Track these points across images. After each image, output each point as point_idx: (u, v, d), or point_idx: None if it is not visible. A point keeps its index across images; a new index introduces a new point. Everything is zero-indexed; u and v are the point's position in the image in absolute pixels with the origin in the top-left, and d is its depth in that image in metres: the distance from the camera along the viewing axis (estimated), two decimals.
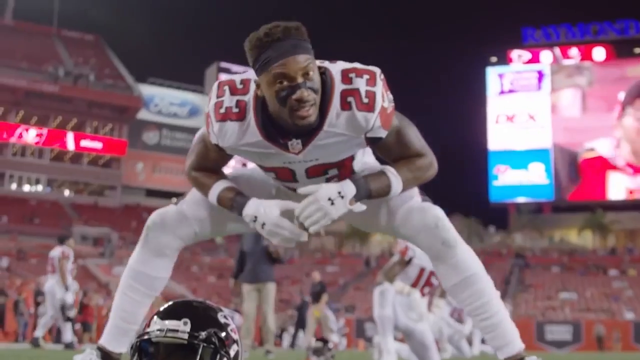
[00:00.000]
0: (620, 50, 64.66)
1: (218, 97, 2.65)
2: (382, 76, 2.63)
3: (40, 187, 62.18)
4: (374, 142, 2.70)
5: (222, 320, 2.15)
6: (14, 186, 61.23)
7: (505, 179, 65.22)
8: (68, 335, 12.42)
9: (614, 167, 62.60)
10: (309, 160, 2.69)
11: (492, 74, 67.97)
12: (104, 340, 3.00)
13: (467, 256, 2.87)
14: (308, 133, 2.58)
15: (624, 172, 62.42)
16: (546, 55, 66.63)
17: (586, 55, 65.73)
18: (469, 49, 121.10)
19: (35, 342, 12.20)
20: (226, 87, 2.65)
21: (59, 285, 12.27)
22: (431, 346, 7.16)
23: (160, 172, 66.55)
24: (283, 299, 39.32)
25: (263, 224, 2.72)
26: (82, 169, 63.38)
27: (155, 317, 2.13)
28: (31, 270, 39.11)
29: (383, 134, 2.65)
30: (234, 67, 69.54)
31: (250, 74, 2.66)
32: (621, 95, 63.67)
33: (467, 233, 62.05)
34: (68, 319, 12.41)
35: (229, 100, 2.63)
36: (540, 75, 66.63)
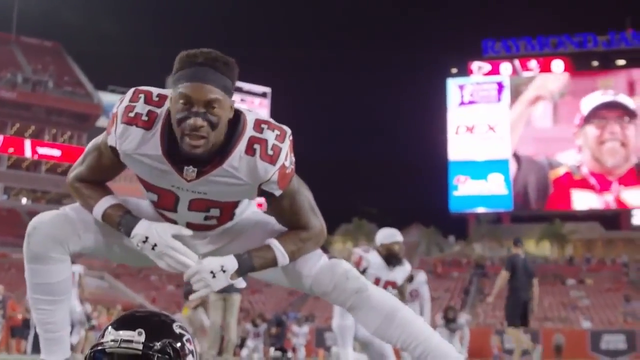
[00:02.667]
0: (579, 63, 65.59)
1: (131, 101, 2.63)
2: (291, 137, 2.67)
3: None
4: (265, 197, 2.73)
5: (178, 330, 2.13)
6: None
7: (465, 189, 65.67)
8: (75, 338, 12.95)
9: (580, 185, 63.25)
10: (197, 192, 2.67)
11: (452, 85, 68.45)
12: (43, 354, 2.98)
13: (380, 295, 2.94)
14: (205, 165, 2.58)
15: (592, 190, 63.04)
16: (506, 67, 67.27)
17: (545, 68, 66.54)
18: (430, 60, 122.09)
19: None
20: (142, 95, 2.64)
21: (76, 298, 12.74)
22: (390, 356, 7.18)
23: (120, 180, 64.07)
24: (243, 308, 39.16)
25: (154, 245, 2.70)
26: (40, 176, 62.63)
27: (110, 327, 2.11)
28: None
29: (277, 192, 2.69)
30: None
31: (167, 90, 2.67)
32: (584, 104, 64.47)
33: (426, 243, 62.60)
34: (92, 327, 13.17)
35: (141, 107, 2.61)
36: (500, 87, 67.25)
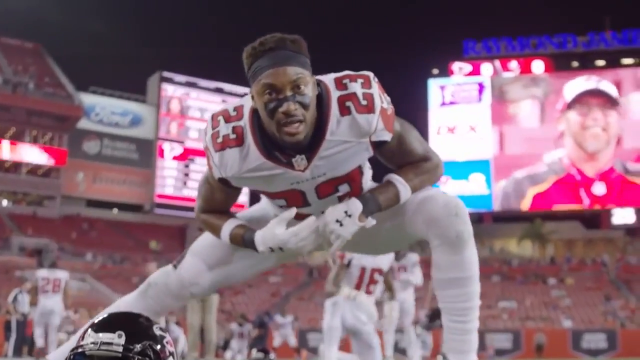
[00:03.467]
0: (559, 64, 65.93)
1: (213, 128, 2.59)
2: (376, 79, 2.61)
3: None
4: (379, 147, 2.65)
5: (158, 332, 2.12)
6: None
7: (446, 189, 63.60)
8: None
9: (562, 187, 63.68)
10: (317, 177, 2.62)
11: (433, 85, 68.54)
12: (53, 357, 2.98)
13: (473, 257, 2.81)
14: (310, 147, 2.53)
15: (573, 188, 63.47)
16: (487, 68, 67.43)
17: (525, 68, 66.82)
18: (411, 61, 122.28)
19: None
20: (220, 117, 2.60)
21: (60, 303, 13.11)
22: (376, 348, 7.28)
23: (100, 182, 65.63)
24: (225, 310, 39.09)
25: (281, 249, 2.67)
26: (21, 178, 62.17)
27: (89, 329, 2.10)
28: None
29: (388, 136, 2.62)
30: (177, 77, 69.09)
31: (243, 100, 2.63)
32: (567, 90, 64.93)
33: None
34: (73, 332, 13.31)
35: (225, 129, 2.57)
36: (481, 88, 67.45)
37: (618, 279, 48.54)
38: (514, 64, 67.07)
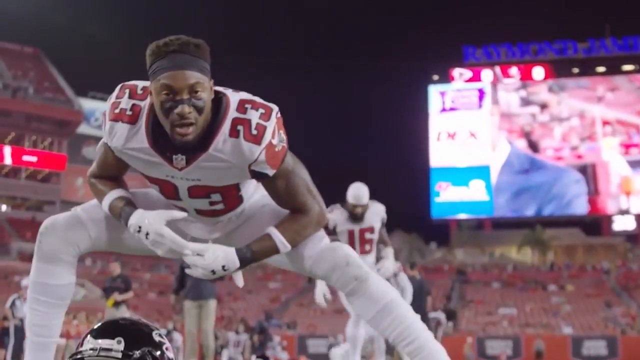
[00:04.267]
0: (559, 70, 66.07)
1: (117, 97, 2.68)
2: (279, 115, 2.65)
3: None
4: (260, 178, 2.72)
5: (157, 338, 2.10)
6: None
7: (446, 195, 65.91)
8: None
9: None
10: (191, 180, 2.69)
11: (434, 91, 68.70)
12: (27, 359, 2.94)
13: (381, 285, 2.92)
14: (193, 151, 2.59)
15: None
16: (487, 74, 67.62)
17: (526, 75, 66.99)
18: (412, 67, 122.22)
19: None
20: (127, 90, 2.68)
21: None
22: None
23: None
24: (225, 315, 39.04)
25: (147, 234, 2.70)
26: (20, 183, 62.18)
27: (89, 335, 2.08)
28: None
29: (269, 172, 2.67)
30: None
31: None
32: None
33: (408, 249, 62.49)
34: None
35: (125, 103, 2.65)
36: (481, 94, 67.60)
37: (619, 286, 48.48)
38: (514, 70, 67.22)
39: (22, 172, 62.59)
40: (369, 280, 2.88)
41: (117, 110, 2.64)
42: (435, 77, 69.32)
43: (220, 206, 2.84)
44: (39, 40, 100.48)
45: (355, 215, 7.35)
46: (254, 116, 2.58)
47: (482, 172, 65.64)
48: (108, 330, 2.08)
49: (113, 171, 2.88)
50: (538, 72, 66.57)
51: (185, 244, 2.72)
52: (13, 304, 15.59)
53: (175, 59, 2.49)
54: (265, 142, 2.58)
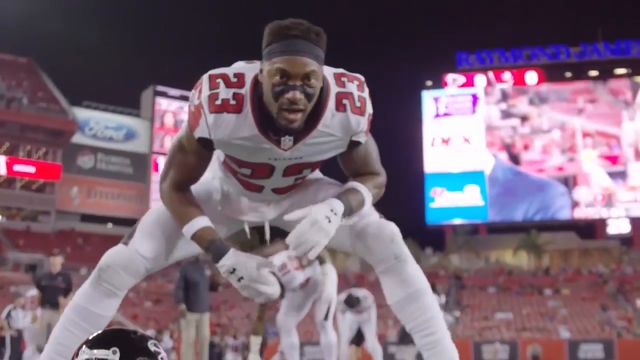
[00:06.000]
0: (552, 75, 66.13)
1: (211, 89, 2.60)
2: (367, 87, 2.72)
3: None
4: (350, 147, 2.76)
5: (152, 348, 2.09)
6: None
7: (441, 201, 65.85)
8: None
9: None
10: (294, 158, 2.71)
11: (427, 97, 68.64)
12: None
13: (416, 272, 2.94)
14: (300, 131, 2.60)
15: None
16: (480, 79, 67.63)
17: (519, 80, 67.04)
18: (404, 72, 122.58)
19: None
20: (220, 80, 2.61)
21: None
22: None
23: (95, 196, 65.54)
24: (221, 323, 38.89)
25: (240, 278, 2.70)
26: (15, 193, 62.03)
27: (84, 346, 2.06)
28: None
29: (364, 139, 2.75)
30: (171, 91, 69.21)
31: (242, 68, 2.68)
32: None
33: None
34: None
35: (225, 92, 2.59)
36: (475, 99, 67.60)
37: (614, 289, 48.50)
38: (507, 75, 67.25)
39: (16, 182, 62.45)
40: (407, 263, 2.91)
41: (217, 102, 2.59)
42: (429, 83, 69.24)
43: (299, 182, 2.91)
44: (32, 50, 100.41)
45: None
46: (353, 89, 2.65)
47: (476, 177, 65.63)
48: (103, 340, 2.06)
49: (194, 172, 2.85)
50: (531, 76, 66.67)
51: (276, 287, 2.76)
52: (9, 314, 15.51)
53: (295, 44, 2.48)
54: (367, 112, 2.69)
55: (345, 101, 2.62)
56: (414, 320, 2.90)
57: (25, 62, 70.51)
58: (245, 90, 2.59)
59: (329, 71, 2.64)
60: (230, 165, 2.85)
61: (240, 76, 2.62)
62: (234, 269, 2.69)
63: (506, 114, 67.54)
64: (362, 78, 2.69)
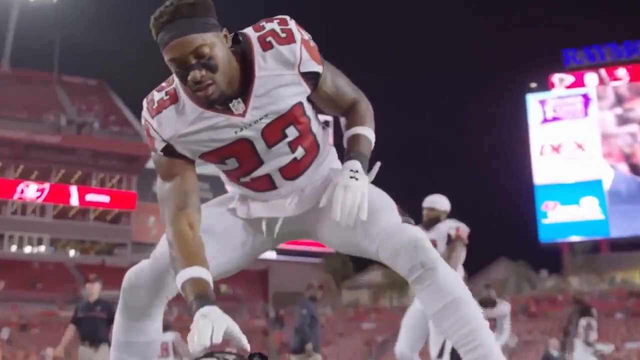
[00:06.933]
0: None
1: (147, 102, 2.79)
2: (294, 21, 2.76)
3: (42, 248, 61.38)
4: (313, 85, 2.81)
5: None
6: (14, 248, 60.48)
7: (555, 216, 64.01)
8: None
9: None
10: (259, 119, 2.75)
11: (532, 101, 67.29)
12: None
13: (450, 278, 2.83)
14: (244, 91, 2.69)
15: None
16: (591, 78, 65.98)
17: (635, 76, 65.01)
18: (506, 75, 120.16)
19: None
20: (153, 92, 2.80)
21: None
22: None
23: None
24: None
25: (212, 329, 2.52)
26: (88, 225, 62.72)
27: None
28: (34, 341, 38.48)
29: (317, 68, 2.79)
30: None
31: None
32: None
33: (516, 279, 60.69)
34: None
35: (158, 96, 2.77)
36: (586, 100, 65.93)
37: None
38: (621, 72, 65.36)
39: (90, 214, 63.12)
40: (438, 269, 2.81)
41: (154, 106, 2.77)
42: (533, 85, 68.01)
43: (301, 152, 2.91)
44: (102, 71, 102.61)
45: (426, 222, 7.71)
46: (274, 26, 2.71)
47: (593, 187, 63.60)
48: None
49: (185, 185, 2.89)
50: None
51: (206, 338, 2.48)
52: None
53: (171, 29, 2.56)
54: (297, 38, 2.72)
55: (269, 39, 2.69)
56: (455, 334, 2.80)
57: (96, 85, 71.63)
58: (175, 85, 2.74)
59: (249, 28, 2.74)
60: (227, 174, 3.10)
61: (169, 80, 2.79)
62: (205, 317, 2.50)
63: (622, 120, 65.45)
64: (286, 16, 2.75)
